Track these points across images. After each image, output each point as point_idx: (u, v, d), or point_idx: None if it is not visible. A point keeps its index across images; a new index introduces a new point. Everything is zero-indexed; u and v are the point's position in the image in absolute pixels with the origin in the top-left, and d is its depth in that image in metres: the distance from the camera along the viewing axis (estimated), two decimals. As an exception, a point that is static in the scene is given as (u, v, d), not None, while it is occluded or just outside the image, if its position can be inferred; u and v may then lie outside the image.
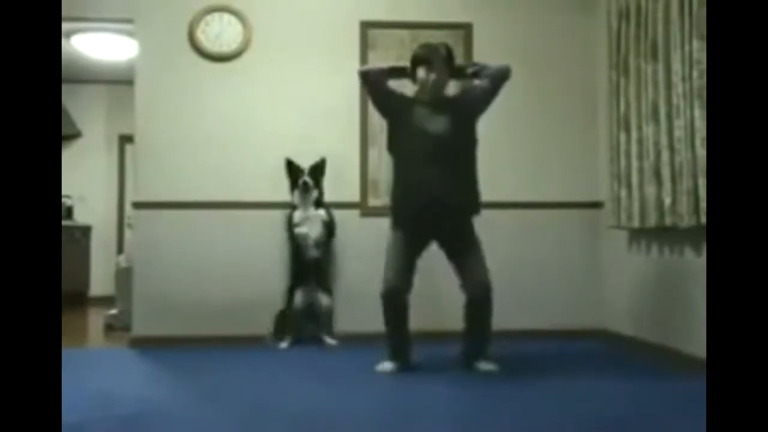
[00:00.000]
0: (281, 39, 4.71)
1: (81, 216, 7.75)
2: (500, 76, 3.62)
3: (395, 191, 3.65)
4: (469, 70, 3.73)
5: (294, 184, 4.48)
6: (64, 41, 6.19)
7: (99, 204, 8.03)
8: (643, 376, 3.49)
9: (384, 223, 3.75)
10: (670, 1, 3.66)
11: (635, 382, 3.35)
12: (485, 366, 3.59)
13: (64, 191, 7.18)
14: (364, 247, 4.54)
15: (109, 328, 5.40)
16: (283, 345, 4.43)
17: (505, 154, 4.74)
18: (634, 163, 4.05)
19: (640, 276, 4.27)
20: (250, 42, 4.68)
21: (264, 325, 4.53)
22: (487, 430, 2.58)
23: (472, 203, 3.62)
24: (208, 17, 4.66)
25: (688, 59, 3.49)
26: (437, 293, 4.18)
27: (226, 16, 4.67)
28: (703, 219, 3.36)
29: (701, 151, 3.36)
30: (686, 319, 3.71)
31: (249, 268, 4.56)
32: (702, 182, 3.36)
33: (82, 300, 7.48)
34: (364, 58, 4.66)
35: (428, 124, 3.54)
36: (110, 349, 4.69)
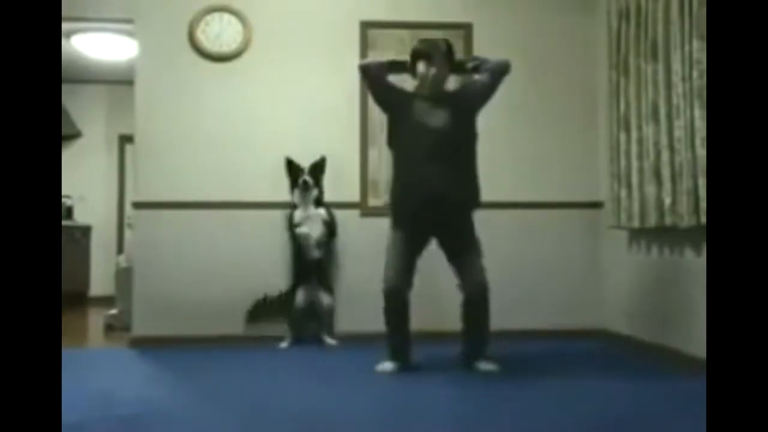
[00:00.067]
0: (281, 39, 4.71)
1: (81, 216, 7.75)
2: (500, 71, 3.62)
3: (395, 189, 3.65)
4: (469, 65, 3.73)
5: (294, 183, 4.48)
6: (64, 41, 6.18)
7: (99, 204, 8.03)
8: (643, 376, 3.49)
9: (384, 223, 3.75)
10: (670, 1, 3.66)
11: (635, 382, 3.35)
12: (485, 366, 3.59)
13: (64, 191, 7.18)
14: (364, 247, 4.54)
15: (109, 328, 5.40)
16: (283, 345, 4.43)
17: (505, 153, 4.74)
18: (634, 163, 4.05)
19: (640, 276, 4.27)
20: (250, 42, 4.68)
21: (265, 326, 4.53)
22: (487, 430, 2.58)
23: (472, 198, 3.61)
24: (208, 17, 4.66)
25: (688, 59, 3.49)
26: (437, 293, 4.17)
27: (226, 16, 4.67)
28: (703, 219, 3.36)
29: (701, 151, 3.36)
30: (686, 319, 3.71)
31: (249, 268, 4.56)
32: (702, 182, 3.36)
33: (82, 300, 7.48)
34: (364, 58, 4.65)
35: (428, 119, 3.54)
36: (110, 349, 4.69)
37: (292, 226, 4.47)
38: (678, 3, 3.57)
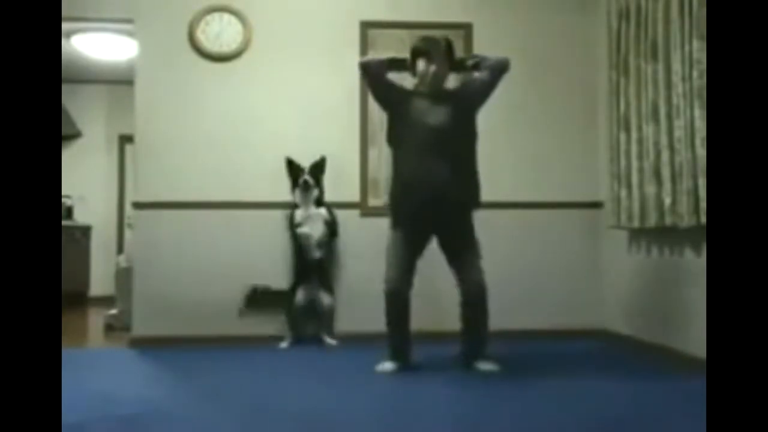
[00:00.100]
0: (281, 39, 4.71)
1: (81, 216, 7.75)
2: (500, 68, 3.62)
3: (394, 188, 3.65)
4: (469, 63, 3.73)
5: (294, 183, 4.48)
6: (64, 41, 6.18)
7: (99, 204, 8.03)
8: (643, 376, 3.49)
9: (384, 223, 3.75)
10: (670, 1, 3.66)
11: (635, 382, 3.35)
12: (485, 366, 3.59)
13: (64, 191, 7.18)
14: (364, 247, 4.54)
15: (109, 328, 5.40)
16: (283, 345, 4.43)
17: (505, 154, 4.74)
18: (634, 163, 4.05)
19: (639, 276, 4.27)
20: (250, 42, 4.68)
21: (265, 325, 4.53)
22: (487, 430, 2.58)
23: (472, 198, 3.61)
24: (208, 17, 4.66)
25: (688, 59, 3.49)
26: (437, 293, 4.17)
27: (226, 16, 4.67)
28: (703, 219, 3.36)
29: (701, 151, 3.36)
30: (686, 319, 3.71)
31: (249, 268, 4.56)
32: (702, 182, 3.36)
33: (82, 300, 7.48)
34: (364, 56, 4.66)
35: (428, 116, 3.54)
36: (110, 349, 4.69)
37: (293, 226, 4.47)
38: (678, 3, 3.57)
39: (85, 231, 7.74)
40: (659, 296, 4.03)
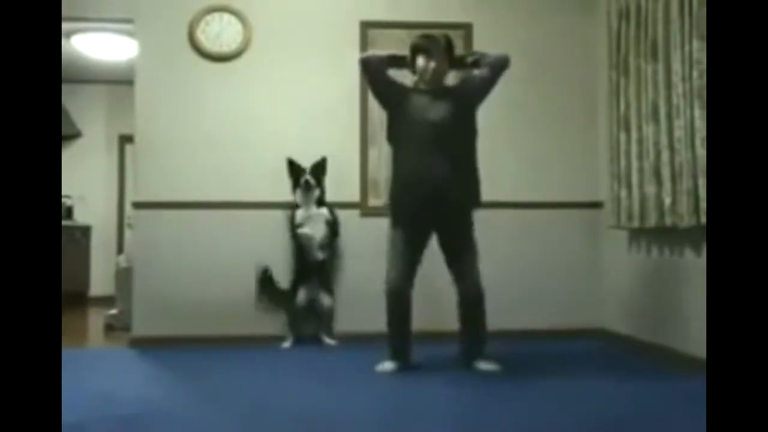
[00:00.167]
0: (281, 39, 4.71)
1: (81, 216, 7.75)
2: (500, 65, 3.62)
3: (394, 187, 3.65)
4: (469, 60, 3.73)
5: (296, 183, 4.48)
6: (64, 41, 6.18)
7: (99, 204, 8.03)
8: (643, 376, 3.49)
9: (384, 223, 3.75)
10: (670, 1, 3.67)
11: (635, 382, 3.35)
12: (485, 366, 3.59)
13: (64, 191, 7.18)
14: (364, 247, 4.55)
15: (109, 328, 5.40)
16: (286, 345, 4.43)
17: (505, 154, 4.74)
18: (634, 163, 4.05)
19: (639, 276, 4.27)
20: (250, 42, 4.68)
21: (265, 325, 4.53)
22: (487, 430, 2.58)
23: (472, 197, 3.61)
24: (208, 17, 4.66)
25: (688, 59, 3.49)
26: (437, 293, 4.17)
27: (226, 16, 4.67)
28: (703, 219, 3.36)
29: (701, 151, 3.36)
30: (686, 319, 3.71)
31: (249, 268, 4.55)
32: (702, 182, 3.36)
33: (82, 300, 7.48)
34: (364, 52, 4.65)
35: (428, 113, 3.54)
36: (110, 349, 4.69)
37: (294, 226, 4.47)
38: (678, 3, 3.57)
39: (85, 231, 7.74)
40: (659, 296, 4.03)
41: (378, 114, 4.23)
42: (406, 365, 3.62)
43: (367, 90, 4.21)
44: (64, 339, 4.52)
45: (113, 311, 5.47)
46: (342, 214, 4.59)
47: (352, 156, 4.69)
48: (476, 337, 3.63)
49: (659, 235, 4.01)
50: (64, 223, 7.08)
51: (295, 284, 4.47)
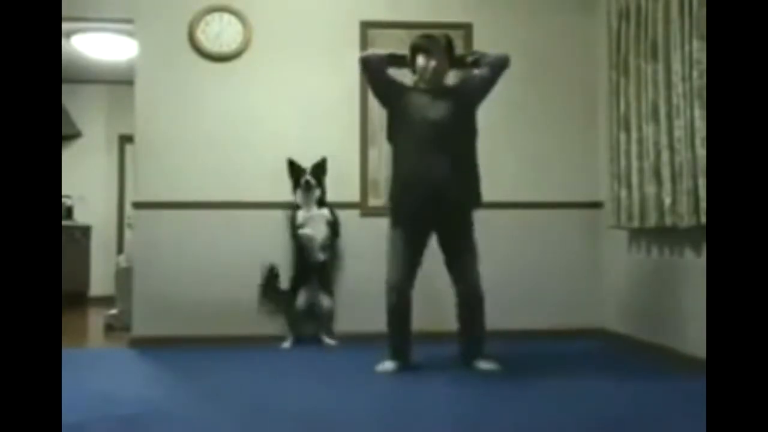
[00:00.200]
0: (281, 39, 4.71)
1: (81, 216, 7.75)
2: (500, 64, 3.62)
3: (394, 187, 3.65)
4: (469, 59, 3.73)
5: (296, 183, 4.47)
6: (64, 41, 6.18)
7: (99, 204, 8.03)
8: (643, 376, 3.49)
9: (384, 223, 3.75)
10: (670, 1, 3.66)
11: (635, 382, 3.35)
12: (485, 365, 3.59)
13: (64, 191, 7.18)
14: (364, 247, 4.55)
15: (109, 328, 5.40)
16: (286, 345, 4.43)
17: (505, 154, 4.74)
18: (634, 163, 4.05)
19: (639, 276, 4.27)
20: (250, 42, 4.68)
21: (265, 326, 4.53)
22: (487, 430, 2.58)
23: (472, 197, 3.61)
24: (208, 17, 4.66)
25: (688, 59, 3.49)
26: (437, 293, 4.17)
27: (226, 16, 4.67)
28: (703, 219, 3.36)
29: (701, 151, 3.36)
30: (686, 319, 3.71)
31: (249, 268, 4.55)
32: (702, 182, 3.36)
33: (82, 300, 7.48)
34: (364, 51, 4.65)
35: (428, 111, 3.53)
36: (110, 349, 4.69)
37: (294, 227, 4.46)
38: (678, 3, 3.57)
39: (85, 231, 7.74)
40: (659, 296, 4.03)
41: (378, 114, 4.23)
42: (406, 365, 3.62)
43: (367, 90, 4.21)
44: (64, 339, 4.52)
45: (113, 311, 5.47)
46: (342, 214, 4.59)
47: (352, 156, 4.69)
48: (475, 337, 3.63)
49: (659, 235, 4.01)
50: (64, 223, 7.08)
51: (295, 285, 4.47)
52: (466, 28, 4.77)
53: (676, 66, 3.59)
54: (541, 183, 4.80)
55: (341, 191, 4.61)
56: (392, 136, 3.68)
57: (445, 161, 3.47)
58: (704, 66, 3.34)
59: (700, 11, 3.39)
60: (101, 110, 8.03)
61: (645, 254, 4.20)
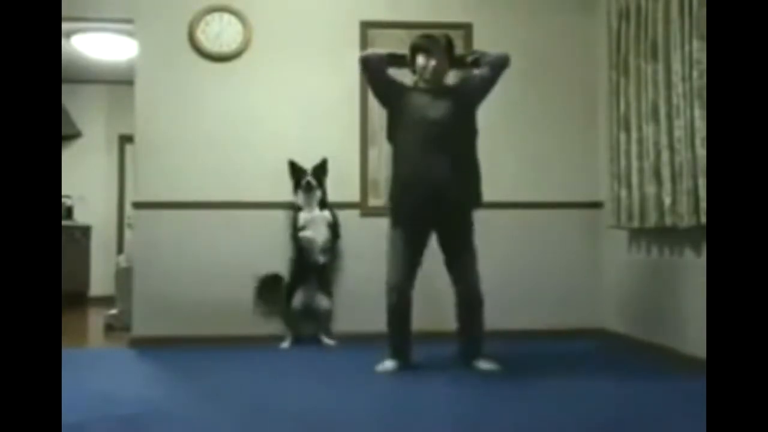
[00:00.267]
0: (281, 39, 4.71)
1: (81, 216, 7.75)
2: (500, 64, 3.62)
3: (394, 187, 3.65)
4: (469, 59, 3.73)
5: (297, 184, 4.47)
6: (64, 41, 6.18)
7: (99, 204, 8.03)
8: (643, 376, 3.49)
9: (384, 223, 3.75)
10: (670, 1, 3.67)
11: (635, 382, 3.35)
12: (485, 365, 3.59)
13: (64, 191, 7.17)
14: (364, 247, 4.54)
15: (109, 328, 5.40)
16: (285, 345, 4.43)
17: (505, 154, 4.73)
18: (634, 163, 4.05)
19: (639, 276, 4.27)
20: (250, 42, 4.68)
21: (265, 325, 4.53)
22: (487, 430, 2.58)
23: (473, 196, 3.61)
24: (208, 17, 4.66)
25: (688, 59, 3.49)
26: (437, 293, 4.17)
27: (226, 16, 4.67)
28: (703, 219, 3.36)
29: (701, 151, 3.36)
30: (685, 319, 3.71)
31: (249, 268, 4.55)
32: (702, 182, 3.36)
33: (82, 300, 7.48)
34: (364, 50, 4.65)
35: (428, 111, 3.53)
36: (110, 349, 4.69)
37: (296, 229, 4.46)
38: (678, 3, 3.57)
39: (85, 231, 7.74)
40: (659, 296, 4.03)
41: (378, 114, 4.23)
42: (406, 365, 3.62)
43: (367, 90, 4.21)
44: (64, 339, 4.51)
45: (113, 311, 5.47)
46: (342, 215, 4.59)
47: (352, 156, 4.69)
48: (474, 337, 3.63)
49: (659, 235, 4.01)
50: (64, 223, 7.07)
51: (293, 286, 4.47)
52: (466, 28, 4.77)
53: (676, 66, 3.59)
54: (541, 183, 4.80)
55: (341, 191, 4.61)
56: (392, 136, 3.68)
57: (445, 161, 3.47)
58: (704, 66, 3.34)
59: (700, 11, 3.39)
60: (101, 110, 8.03)
61: (645, 254, 4.20)
